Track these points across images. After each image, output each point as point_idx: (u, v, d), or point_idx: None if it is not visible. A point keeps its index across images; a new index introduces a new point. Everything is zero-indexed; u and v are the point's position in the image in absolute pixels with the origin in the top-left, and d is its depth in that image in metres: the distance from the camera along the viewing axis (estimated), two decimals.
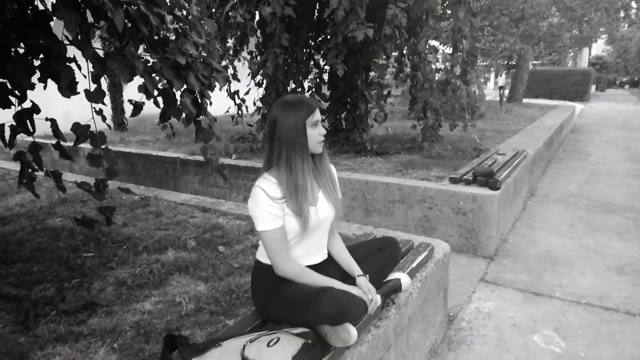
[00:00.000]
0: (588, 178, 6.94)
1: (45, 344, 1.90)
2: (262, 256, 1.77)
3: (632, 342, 2.70)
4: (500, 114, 11.71)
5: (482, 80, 24.40)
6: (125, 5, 2.35)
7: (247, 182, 5.33)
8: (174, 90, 2.79)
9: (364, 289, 1.71)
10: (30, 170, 2.56)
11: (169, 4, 2.72)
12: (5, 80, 2.46)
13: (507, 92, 14.92)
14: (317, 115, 1.67)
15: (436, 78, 5.83)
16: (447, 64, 5.90)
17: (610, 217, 5.04)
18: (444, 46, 10.15)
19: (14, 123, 2.44)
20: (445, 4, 5.28)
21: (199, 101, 3.11)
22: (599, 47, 51.17)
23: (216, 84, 3.14)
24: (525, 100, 16.71)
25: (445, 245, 2.70)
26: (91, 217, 2.79)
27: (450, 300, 3.16)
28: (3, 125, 2.42)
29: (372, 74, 6.04)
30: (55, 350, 1.86)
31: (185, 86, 2.80)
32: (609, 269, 3.71)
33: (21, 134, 2.46)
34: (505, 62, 14.73)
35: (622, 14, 31.93)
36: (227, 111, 7.45)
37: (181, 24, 2.85)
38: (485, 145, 6.55)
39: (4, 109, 2.41)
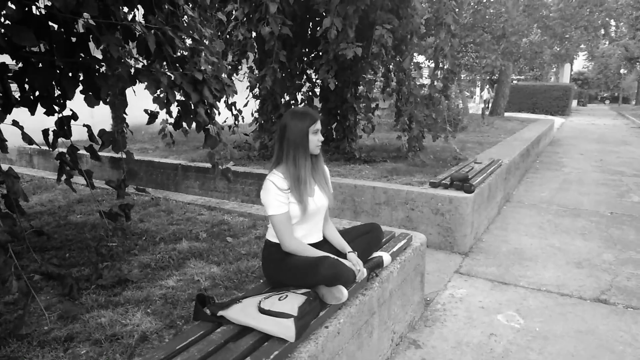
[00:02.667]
0: (560, 186, 7.48)
1: (90, 309, 2.31)
2: (271, 236, 2.22)
3: (581, 320, 3.17)
4: (482, 126, 12.30)
5: (467, 94, 25.18)
6: (154, 30, 2.79)
7: (244, 187, 5.76)
8: (190, 101, 3.23)
9: (353, 262, 2.16)
10: (68, 168, 2.96)
11: (189, 27, 3.18)
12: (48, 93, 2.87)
13: (489, 105, 15.57)
14: (318, 125, 2.13)
15: (421, 92, 6.33)
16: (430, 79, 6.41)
17: (576, 220, 5.56)
18: (429, 62, 10.71)
19: (56, 128, 2.86)
20: (428, 25, 5.79)
21: (209, 111, 3.55)
22: (581, 64, 52.65)
23: (225, 95, 3.58)
24: (507, 114, 17.41)
25: (422, 237, 3.16)
26: (116, 212, 3.20)
27: (428, 288, 3.62)
28: (48, 129, 2.83)
29: (360, 88, 6.53)
30: (100, 314, 2.26)
31: (200, 98, 3.24)
32: (569, 263, 4.20)
33: (61, 137, 2.88)
34: (488, 77, 15.37)
35: (602, 31, 33.11)
36: (225, 121, 7.87)
37: (196, 45, 3.29)
38: (465, 155, 7.07)
39: (48, 116, 2.83)
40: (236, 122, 7.26)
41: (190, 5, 3.27)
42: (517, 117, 16.19)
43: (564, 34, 27.00)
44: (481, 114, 13.91)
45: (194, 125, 3.55)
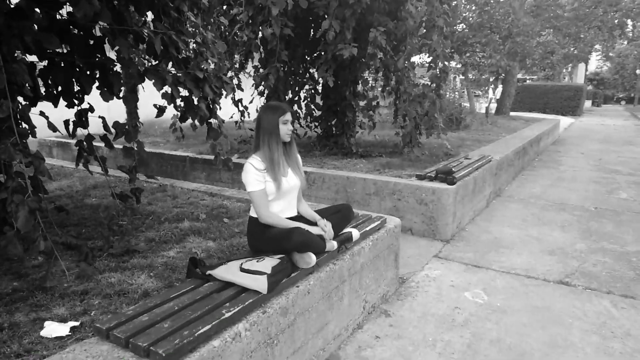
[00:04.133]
0: (553, 183, 7.76)
1: (102, 272, 2.72)
2: (253, 213, 2.62)
3: (540, 298, 3.51)
4: (486, 125, 12.55)
5: (479, 93, 25.31)
6: (160, 34, 3.20)
7: None
8: (193, 97, 3.64)
9: (321, 225, 2.55)
10: (86, 154, 3.39)
11: (191, 32, 3.59)
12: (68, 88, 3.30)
13: (489, 104, 15.80)
14: (288, 116, 2.55)
15: (414, 91, 6.66)
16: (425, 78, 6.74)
17: (560, 214, 5.86)
18: (423, 61, 11.05)
19: (75, 119, 3.28)
20: (422, 26, 6.12)
21: (211, 106, 3.96)
22: (598, 64, 52.11)
23: (224, 92, 3.99)
24: (514, 114, 17.59)
25: (397, 220, 3.52)
26: (126, 194, 3.62)
27: (407, 269, 3.99)
28: (68, 120, 3.26)
29: (359, 86, 6.89)
30: (110, 275, 2.68)
31: (201, 94, 3.64)
32: (542, 251, 4.52)
33: (79, 127, 3.30)
34: (494, 77, 15.59)
35: (618, 31, 32.94)
36: (232, 117, 8.30)
37: (198, 47, 3.70)
38: (461, 151, 7.40)
39: (69, 108, 3.26)
40: (242, 117, 7.70)
41: (195, 12, 3.68)
42: (523, 117, 16.36)
43: (577, 33, 26.99)
44: (485, 113, 14.12)
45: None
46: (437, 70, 6.19)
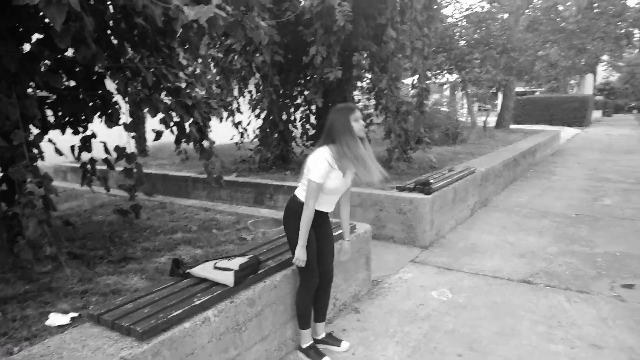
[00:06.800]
0: (541, 193, 8.04)
1: (101, 275, 3.15)
2: (300, 194, 2.78)
3: (501, 295, 3.83)
4: (484, 138, 12.87)
5: (485, 107, 25.56)
6: (152, 69, 3.68)
7: (244, 195, 6.61)
8: (184, 122, 4.10)
9: (343, 251, 2.98)
10: (89, 175, 3.86)
11: (181, 64, 4.07)
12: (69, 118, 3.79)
13: (490, 118, 16.12)
14: (358, 114, 2.65)
15: (402, 108, 7.08)
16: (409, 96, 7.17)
17: (540, 221, 6.15)
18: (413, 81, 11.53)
19: (80, 144, 3.77)
20: (404, 49, 6.55)
21: (202, 130, 4.42)
22: (605, 74, 51.97)
23: (214, 117, 4.45)
24: (514, 126, 17.87)
25: (367, 226, 3.90)
26: (126, 209, 4.07)
27: (383, 272, 4.34)
28: (74, 145, 3.74)
29: None
30: (108, 278, 3.10)
31: (192, 119, 4.10)
32: (514, 254, 4.83)
33: (84, 151, 3.78)
34: (492, 92, 15.95)
35: (624, 41, 33.12)
36: (232, 138, 8.80)
37: (187, 78, 4.18)
38: (451, 164, 7.75)
39: (75, 135, 3.74)
40: (242, 139, 8.18)
41: (185, 47, 4.17)
42: (523, 129, 16.62)
43: (582, 45, 27.25)
44: (483, 126, 14.46)
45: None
46: (419, 88, 6.61)
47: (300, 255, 2.70)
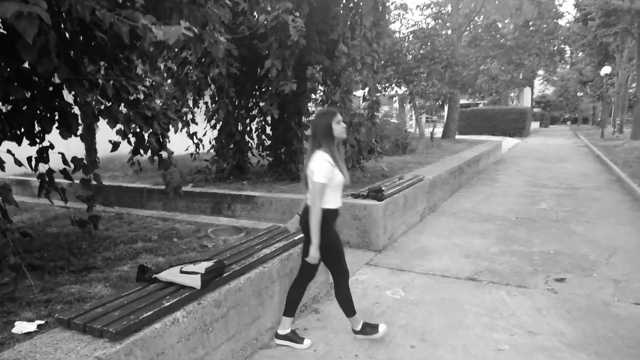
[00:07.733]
0: (485, 198, 8.57)
1: (63, 285, 3.16)
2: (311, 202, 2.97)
3: (449, 292, 4.13)
4: (431, 148, 13.48)
5: (434, 117, 26.61)
6: (112, 80, 3.74)
7: (201, 205, 6.65)
8: (143, 133, 4.16)
9: None
10: (47, 185, 3.84)
11: (140, 76, 4.14)
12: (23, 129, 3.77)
13: (437, 129, 16.89)
14: (339, 117, 2.98)
15: (354, 120, 7.38)
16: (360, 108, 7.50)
17: (484, 224, 6.59)
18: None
19: (37, 155, 3.75)
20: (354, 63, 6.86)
21: (161, 140, 4.48)
22: (542, 87, 55.37)
23: (171, 127, 4.53)
24: (459, 137, 18.78)
25: None
26: (85, 220, 4.07)
27: None
28: (31, 157, 3.72)
29: (303, 117, 7.57)
30: (71, 287, 3.12)
31: (151, 130, 4.17)
32: (460, 255, 5.18)
33: (41, 162, 3.76)
34: (438, 104, 16.75)
35: (557, 57, 35.59)
36: (187, 149, 8.80)
37: (146, 89, 4.25)
38: (401, 173, 8.12)
39: (32, 146, 3.72)
40: (197, 149, 8.21)
41: (143, 59, 4.24)
42: (468, 140, 17.51)
43: (520, 60, 29.05)
44: (430, 137, 15.13)
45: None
46: (370, 101, 6.94)
47: (314, 253, 2.96)
